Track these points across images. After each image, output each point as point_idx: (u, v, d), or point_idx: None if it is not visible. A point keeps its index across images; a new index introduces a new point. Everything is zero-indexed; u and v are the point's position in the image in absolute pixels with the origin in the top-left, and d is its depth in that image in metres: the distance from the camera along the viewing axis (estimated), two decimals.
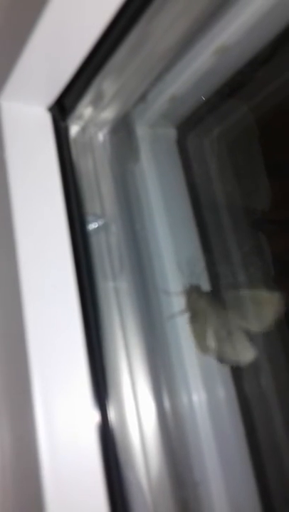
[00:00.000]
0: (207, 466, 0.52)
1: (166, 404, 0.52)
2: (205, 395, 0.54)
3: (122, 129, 0.54)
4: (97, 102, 0.52)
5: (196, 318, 0.53)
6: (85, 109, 0.53)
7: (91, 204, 0.54)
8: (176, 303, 0.54)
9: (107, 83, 0.49)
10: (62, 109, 0.50)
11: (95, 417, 0.46)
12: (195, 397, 0.53)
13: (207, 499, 0.51)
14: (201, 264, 0.58)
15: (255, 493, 0.53)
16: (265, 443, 0.55)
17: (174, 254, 0.56)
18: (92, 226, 0.53)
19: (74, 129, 0.55)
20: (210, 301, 0.53)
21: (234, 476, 0.53)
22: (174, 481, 0.50)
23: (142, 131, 0.56)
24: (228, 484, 0.52)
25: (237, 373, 0.55)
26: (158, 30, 0.42)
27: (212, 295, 0.54)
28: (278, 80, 0.58)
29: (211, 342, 0.52)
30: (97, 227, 0.54)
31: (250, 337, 0.52)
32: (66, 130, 0.52)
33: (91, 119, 0.54)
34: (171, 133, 0.58)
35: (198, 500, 0.51)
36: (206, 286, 0.56)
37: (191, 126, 0.58)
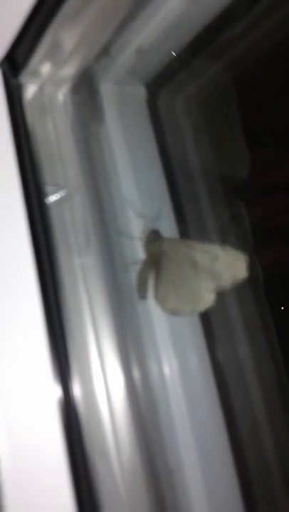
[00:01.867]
0: (181, 449, 0.50)
1: (136, 376, 0.49)
2: (177, 366, 0.51)
3: (85, 87, 0.49)
4: (54, 57, 0.47)
5: (150, 261, 0.51)
6: (41, 65, 0.47)
7: (51, 173, 0.49)
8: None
9: (64, 33, 0.43)
10: (12, 64, 0.45)
11: (56, 392, 0.43)
12: (166, 369, 0.51)
13: (182, 486, 0.49)
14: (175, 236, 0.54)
15: (234, 476, 0.51)
16: (243, 420, 0.53)
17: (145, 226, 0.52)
18: (53, 197, 0.49)
19: (30, 89, 0.50)
20: (169, 245, 0.51)
21: (211, 460, 0.50)
22: (147, 468, 0.48)
23: (106, 89, 0.51)
24: (205, 469, 0.50)
25: (211, 340, 0.53)
26: None
27: (174, 242, 0.52)
28: (258, 32, 0.53)
29: (161, 287, 0.50)
30: (60, 199, 0.49)
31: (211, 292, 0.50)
32: (19, 89, 0.47)
33: (49, 77, 0.49)
34: (140, 91, 0.53)
35: (173, 488, 0.49)
36: None
37: (161, 83, 0.53)
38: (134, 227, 0.52)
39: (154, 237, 0.51)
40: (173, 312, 0.51)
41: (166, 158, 0.56)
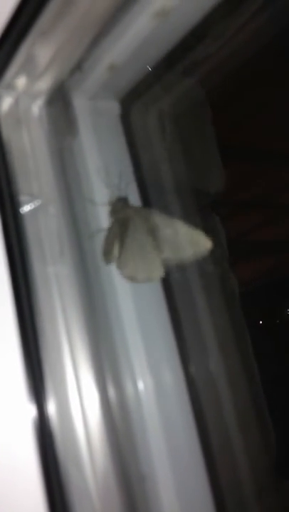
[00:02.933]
0: (154, 456, 0.50)
1: (111, 393, 0.49)
2: (151, 381, 0.51)
3: (59, 101, 0.50)
4: (29, 70, 0.48)
5: (115, 225, 0.51)
6: (16, 78, 0.48)
7: (26, 183, 0.50)
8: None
9: (38, 48, 0.44)
10: None
11: (31, 411, 0.43)
12: (140, 384, 0.51)
13: (154, 494, 0.49)
14: None
15: (206, 485, 0.51)
16: (216, 432, 0.53)
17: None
18: (27, 207, 0.49)
19: (6, 101, 0.51)
20: (135, 213, 0.52)
21: (183, 469, 0.51)
22: (120, 476, 0.48)
23: (80, 104, 0.52)
24: (177, 477, 0.50)
25: (185, 355, 0.53)
26: None
27: (140, 211, 0.53)
28: (230, 49, 0.55)
29: (122, 253, 0.51)
30: (34, 208, 0.50)
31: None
32: None
33: (24, 90, 0.50)
34: (114, 106, 0.55)
35: (145, 495, 0.49)
36: None
37: (135, 99, 0.55)
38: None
39: (121, 204, 0.51)
40: (130, 278, 0.51)
41: (139, 173, 0.56)
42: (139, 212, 0.53)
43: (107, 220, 0.52)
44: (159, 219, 0.52)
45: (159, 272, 0.51)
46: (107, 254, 0.51)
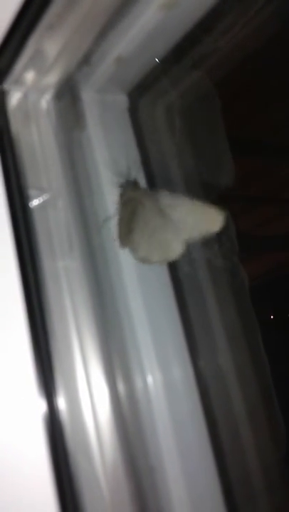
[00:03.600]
0: (163, 450, 0.50)
1: (121, 387, 0.50)
2: (160, 376, 0.51)
3: (67, 95, 0.50)
4: (38, 64, 0.48)
5: (125, 208, 0.51)
6: (25, 73, 0.48)
7: (35, 177, 0.50)
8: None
9: (46, 42, 0.45)
10: None
11: (41, 406, 0.43)
12: (150, 379, 0.51)
13: (163, 484, 0.49)
14: None
15: (215, 477, 0.51)
16: (225, 425, 0.53)
17: None
18: (36, 201, 0.49)
19: (15, 96, 0.51)
20: (144, 195, 0.52)
21: (192, 460, 0.51)
22: (129, 467, 0.48)
23: (88, 97, 0.52)
24: (186, 469, 0.50)
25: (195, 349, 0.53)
26: None
27: (150, 193, 0.53)
28: (239, 42, 0.54)
29: (135, 235, 0.51)
30: (43, 202, 0.50)
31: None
32: (3, 96, 0.48)
33: (33, 84, 0.50)
34: (122, 99, 0.55)
35: (154, 485, 0.49)
36: None
37: (143, 92, 0.54)
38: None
39: (131, 187, 0.51)
40: (143, 260, 0.51)
41: (148, 166, 0.56)
42: (149, 194, 0.52)
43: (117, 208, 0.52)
44: (169, 199, 0.52)
45: (172, 253, 0.51)
46: (121, 238, 0.51)
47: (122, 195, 0.51)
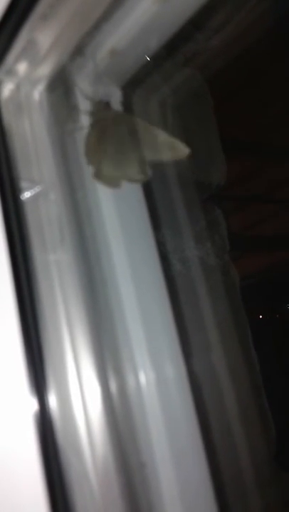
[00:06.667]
0: (155, 446, 0.50)
1: (112, 384, 0.49)
2: (153, 373, 0.51)
3: (60, 87, 0.50)
4: (30, 55, 0.47)
5: (96, 127, 0.51)
6: (17, 64, 0.48)
7: (27, 169, 0.49)
8: None
9: (38, 32, 0.44)
10: None
11: (32, 403, 0.43)
12: (142, 375, 0.51)
13: (154, 481, 0.49)
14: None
15: (207, 474, 0.51)
16: (217, 423, 0.53)
17: (119, 225, 0.53)
18: (28, 193, 0.49)
19: (7, 87, 0.50)
20: (116, 116, 0.52)
21: (184, 457, 0.50)
22: (120, 463, 0.48)
23: (81, 89, 0.52)
24: (178, 465, 0.50)
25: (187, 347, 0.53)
26: None
27: (121, 115, 0.54)
28: (232, 41, 0.54)
29: (102, 154, 0.51)
30: (35, 195, 0.50)
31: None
32: None
33: (26, 75, 0.50)
34: (115, 93, 0.54)
35: (145, 481, 0.49)
36: None
37: (135, 87, 0.54)
38: None
39: (103, 106, 0.51)
40: (106, 179, 0.51)
41: None
42: (120, 116, 0.53)
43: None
44: (139, 124, 0.52)
45: (140, 175, 0.52)
46: (88, 155, 0.51)
47: (93, 114, 0.51)
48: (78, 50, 0.47)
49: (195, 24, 0.49)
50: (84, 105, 0.52)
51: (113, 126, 0.51)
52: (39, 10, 0.41)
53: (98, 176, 0.51)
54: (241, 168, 1.38)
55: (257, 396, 0.57)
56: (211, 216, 0.60)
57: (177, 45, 0.52)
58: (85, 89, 0.51)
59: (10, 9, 0.41)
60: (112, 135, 0.51)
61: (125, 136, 0.51)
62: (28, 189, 0.49)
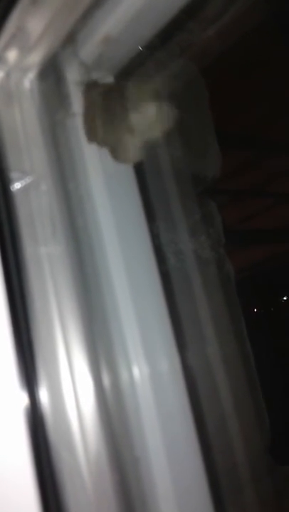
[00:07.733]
0: (148, 440, 0.49)
1: (105, 378, 0.49)
2: (146, 366, 0.50)
3: (51, 75, 0.49)
4: (20, 43, 0.46)
5: (90, 107, 0.51)
6: (7, 51, 0.47)
7: (17, 159, 0.48)
8: None
9: (29, 19, 0.43)
10: None
11: (23, 398, 0.42)
12: (135, 369, 0.50)
13: (148, 475, 0.48)
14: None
15: (201, 467, 0.50)
16: (211, 416, 0.53)
17: (113, 217, 0.52)
18: (18, 184, 0.48)
19: None
20: (108, 94, 0.52)
21: (178, 451, 0.50)
22: (113, 458, 0.47)
23: (73, 78, 0.51)
24: (172, 459, 0.49)
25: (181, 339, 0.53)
26: None
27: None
28: (228, 32, 0.54)
29: (99, 132, 0.51)
30: (26, 186, 0.49)
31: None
32: None
33: (16, 63, 0.49)
34: (108, 81, 0.53)
35: (139, 475, 0.48)
36: None
37: (129, 76, 0.53)
38: None
39: (92, 85, 0.51)
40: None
41: None
42: (108, 88, 0.52)
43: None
44: (130, 102, 0.52)
45: (135, 155, 0.52)
46: (89, 133, 0.50)
47: (86, 92, 0.51)
48: (70, 38, 0.46)
49: (189, 14, 0.49)
50: (75, 91, 0.51)
51: (103, 101, 0.51)
52: None
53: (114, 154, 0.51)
54: (236, 162, 1.38)
55: (251, 389, 0.57)
56: (205, 209, 0.59)
57: (172, 35, 0.51)
58: (76, 77, 0.50)
59: None
60: (105, 109, 0.51)
61: (116, 107, 0.51)
62: (18, 180, 0.48)
